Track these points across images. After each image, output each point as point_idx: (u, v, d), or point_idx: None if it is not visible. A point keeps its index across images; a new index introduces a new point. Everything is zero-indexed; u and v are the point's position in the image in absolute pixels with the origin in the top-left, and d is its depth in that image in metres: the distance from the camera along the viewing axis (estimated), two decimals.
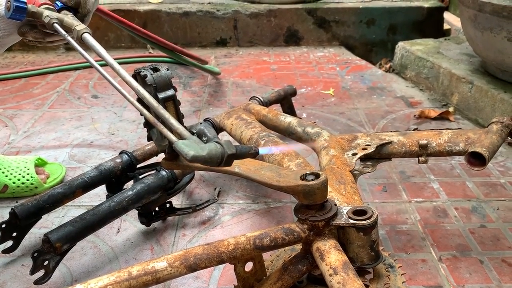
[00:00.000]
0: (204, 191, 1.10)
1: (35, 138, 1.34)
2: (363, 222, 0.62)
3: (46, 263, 0.77)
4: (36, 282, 0.78)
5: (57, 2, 0.77)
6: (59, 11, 0.76)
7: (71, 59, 1.94)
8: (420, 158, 0.88)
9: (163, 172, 0.91)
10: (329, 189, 0.72)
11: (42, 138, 1.34)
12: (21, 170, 1.06)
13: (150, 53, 1.98)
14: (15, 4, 0.71)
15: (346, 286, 0.55)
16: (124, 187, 0.96)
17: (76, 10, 0.78)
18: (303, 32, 2.14)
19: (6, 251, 0.87)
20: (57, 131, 1.38)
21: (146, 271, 0.56)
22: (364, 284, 0.63)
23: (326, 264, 0.59)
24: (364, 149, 0.87)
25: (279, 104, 1.31)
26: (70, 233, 0.78)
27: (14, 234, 0.86)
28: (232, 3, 2.17)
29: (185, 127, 0.59)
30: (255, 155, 0.58)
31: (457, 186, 1.11)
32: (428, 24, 2.15)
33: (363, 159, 0.88)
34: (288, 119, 1.02)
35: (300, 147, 1.02)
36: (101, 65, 0.66)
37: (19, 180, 1.05)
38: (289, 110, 1.32)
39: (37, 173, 1.08)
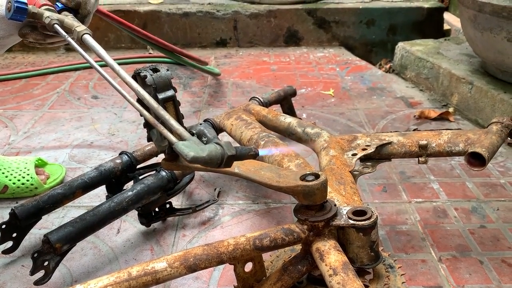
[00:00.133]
0: (204, 192, 1.10)
1: (35, 139, 1.34)
2: (362, 222, 0.62)
3: (46, 263, 0.77)
4: (36, 283, 0.78)
5: (57, 3, 0.77)
6: (59, 12, 0.76)
7: (71, 59, 1.94)
8: (420, 159, 0.88)
9: (163, 173, 0.91)
10: (329, 189, 0.72)
11: (42, 138, 1.34)
12: (21, 170, 1.06)
13: (150, 53, 1.98)
14: (15, 5, 0.71)
15: (346, 286, 0.55)
16: (124, 187, 0.96)
17: (76, 11, 0.79)
18: (303, 32, 2.14)
19: (6, 251, 0.87)
20: (57, 131, 1.38)
21: (146, 272, 0.56)
22: (364, 285, 0.63)
23: (326, 265, 0.59)
24: (364, 149, 0.87)
25: (279, 105, 1.31)
26: (70, 234, 0.78)
27: (14, 234, 0.86)
28: (232, 3, 2.17)
29: (185, 128, 0.59)
30: (255, 156, 0.58)
31: (457, 186, 1.11)
32: (428, 25, 2.15)
33: (363, 159, 0.88)
34: (288, 119, 1.02)
35: (300, 148, 1.02)
36: (101, 66, 0.66)
37: (19, 180, 1.05)
38: (289, 110, 1.32)
39: (37, 174, 1.08)
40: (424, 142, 0.86)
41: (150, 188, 0.88)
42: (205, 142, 0.57)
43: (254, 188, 1.11)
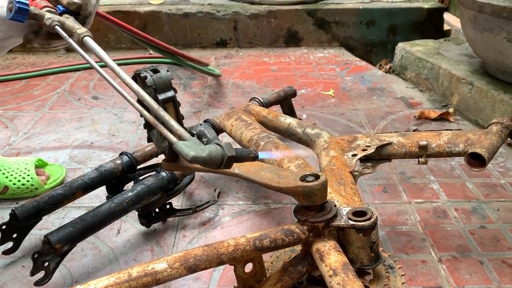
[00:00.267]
0: (204, 192, 1.10)
1: (35, 140, 1.34)
2: (363, 223, 0.62)
3: (46, 264, 0.77)
4: (37, 283, 0.78)
5: (58, 6, 0.77)
6: (60, 14, 0.76)
7: (71, 60, 1.94)
8: (420, 159, 0.88)
9: (163, 173, 0.91)
10: (329, 190, 0.72)
11: (42, 139, 1.34)
12: (21, 171, 1.06)
13: (150, 54, 1.98)
14: (17, 5, 0.71)
15: (346, 287, 0.55)
16: (124, 188, 0.96)
17: (77, 14, 0.79)
18: (303, 33, 2.14)
19: (6, 252, 0.87)
20: (57, 132, 1.38)
21: (146, 272, 0.56)
22: (364, 285, 0.63)
23: (326, 265, 0.59)
24: (364, 150, 0.87)
25: (279, 105, 1.31)
26: (70, 234, 0.78)
27: (15, 235, 0.87)
28: (232, 4, 2.17)
29: (185, 128, 0.59)
30: (254, 158, 0.58)
31: (457, 187, 1.11)
32: (428, 25, 2.15)
33: (363, 160, 0.88)
34: (288, 120, 1.02)
35: (300, 149, 1.02)
36: (101, 67, 0.66)
37: (19, 181, 1.05)
38: (289, 111, 1.32)
39: (37, 174, 1.08)
40: (424, 142, 0.86)
41: (150, 189, 0.88)
42: (205, 142, 0.57)
43: (254, 188, 1.11)
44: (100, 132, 1.39)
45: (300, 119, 1.20)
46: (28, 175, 1.06)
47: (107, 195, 0.96)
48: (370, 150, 0.87)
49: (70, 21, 0.73)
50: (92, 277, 0.85)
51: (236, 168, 0.66)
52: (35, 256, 0.76)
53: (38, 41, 0.79)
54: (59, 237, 0.77)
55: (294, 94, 1.31)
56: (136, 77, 0.66)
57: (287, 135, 1.02)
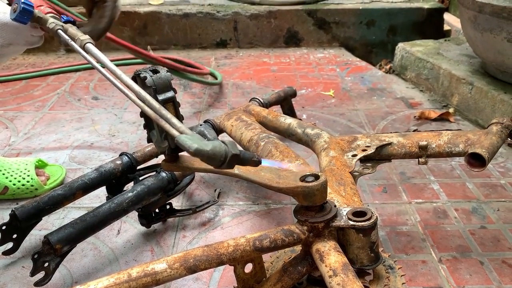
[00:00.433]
0: (204, 193, 1.10)
1: (35, 140, 1.34)
2: (362, 223, 0.62)
3: (46, 264, 0.77)
4: (37, 284, 0.78)
5: (62, 16, 0.78)
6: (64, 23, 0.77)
7: (72, 60, 1.95)
8: (420, 159, 0.88)
9: (163, 174, 0.91)
10: (328, 190, 0.72)
11: (42, 139, 1.35)
12: (21, 172, 1.06)
13: (150, 54, 1.97)
14: (22, 6, 0.71)
15: (346, 287, 0.55)
16: (124, 188, 0.96)
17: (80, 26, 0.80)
18: (303, 33, 2.14)
19: (6, 252, 0.87)
20: (58, 132, 1.38)
21: (146, 273, 0.56)
22: (364, 286, 0.63)
23: (325, 266, 0.59)
24: (364, 150, 0.87)
25: (279, 106, 1.31)
26: (70, 235, 0.78)
27: (15, 235, 0.87)
28: (232, 4, 2.17)
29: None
30: (257, 163, 0.57)
31: (457, 187, 1.11)
32: (428, 25, 2.15)
33: (363, 160, 0.88)
34: (288, 120, 1.02)
35: (301, 154, 1.02)
36: (102, 67, 0.66)
37: (19, 181, 1.05)
38: (289, 111, 1.32)
39: (37, 175, 1.08)
40: (424, 142, 0.86)
41: (150, 189, 0.88)
42: None
43: (254, 189, 1.11)
44: (100, 132, 1.39)
45: (300, 119, 1.20)
46: (28, 176, 1.06)
47: (107, 195, 0.96)
48: (370, 150, 0.87)
49: (73, 28, 0.74)
50: (92, 278, 0.85)
51: (236, 168, 0.66)
52: (35, 256, 0.76)
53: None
54: (59, 238, 0.77)
55: (294, 94, 1.31)
56: (136, 78, 0.66)
57: (287, 135, 1.02)
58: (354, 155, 0.86)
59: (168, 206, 0.97)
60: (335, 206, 0.65)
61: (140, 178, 0.94)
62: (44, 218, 0.90)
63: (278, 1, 2.12)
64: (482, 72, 1.50)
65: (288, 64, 1.94)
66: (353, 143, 0.90)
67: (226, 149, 0.53)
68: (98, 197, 1.07)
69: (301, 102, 1.57)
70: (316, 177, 0.61)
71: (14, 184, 1.05)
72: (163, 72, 0.65)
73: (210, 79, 1.72)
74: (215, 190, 1.09)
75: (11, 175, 1.05)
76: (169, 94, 0.65)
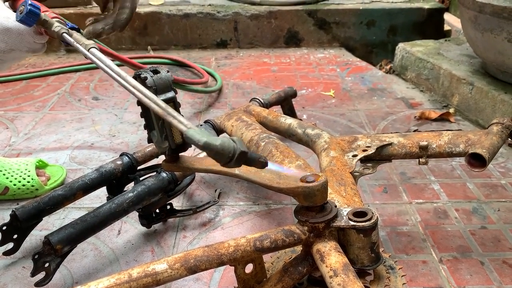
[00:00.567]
0: (205, 193, 1.10)
1: (35, 140, 1.34)
2: (363, 223, 0.62)
3: (46, 265, 0.77)
4: (37, 284, 0.78)
5: (68, 23, 0.78)
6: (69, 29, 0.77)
7: (72, 61, 1.95)
8: (420, 160, 0.88)
9: (164, 174, 0.91)
10: (329, 190, 0.72)
11: (42, 140, 1.35)
12: (22, 172, 1.06)
13: (150, 54, 1.98)
14: (29, 7, 0.71)
15: (347, 287, 0.55)
16: (125, 189, 0.96)
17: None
18: (303, 33, 2.14)
19: (7, 253, 0.87)
20: (58, 133, 1.38)
21: (146, 273, 0.56)
22: (365, 286, 0.63)
23: (326, 266, 0.59)
24: (364, 150, 0.87)
25: (279, 106, 1.31)
26: (70, 235, 0.78)
27: (15, 236, 0.87)
28: (233, 4, 2.17)
29: None
30: (263, 165, 0.56)
31: (457, 187, 1.11)
32: (429, 25, 2.15)
33: (364, 160, 0.88)
34: (288, 120, 1.02)
35: (302, 154, 1.02)
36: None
37: (19, 182, 1.05)
38: (290, 111, 1.32)
39: (37, 175, 1.08)
40: (425, 143, 0.86)
41: (150, 190, 0.88)
42: None
43: (254, 189, 1.11)
44: (101, 132, 1.39)
45: (300, 119, 1.20)
46: (29, 176, 1.06)
47: (107, 195, 0.96)
48: (371, 151, 0.87)
49: (78, 34, 0.74)
50: (93, 278, 0.85)
51: (237, 168, 0.66)
52: (36, 257, 0.76)
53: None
54: (60, 238, 0.77)
55: (294, 94, 1.31)
56: (136, 78, 0.66)
57: (287, 135, 1.02)
58: (355, 155, 0.86)
59: (168, 207, 0.97)
60: (335, 206, 0.65)
61: (141, 179, 0.94)
62: (45, 219, 0.90)
63: (279, 2, 2.12)
64: (482, 72, 1.50)
65: (288, 64, 1.94)
66: (353, 143, 0.90)
67: (234, 146, 0.51)
68: (98, 198, 1.07)
69: (302, 102, 1.57)
70: (317, 177, 0.61)
71: (14, 185, 1.05)
72: (164, 72, 0.65)
73: (210, 80, 1.72)
74: (215, 191, 1.09)
75: (12, 176, 1.05)
76: (170, 94, 0.65)
